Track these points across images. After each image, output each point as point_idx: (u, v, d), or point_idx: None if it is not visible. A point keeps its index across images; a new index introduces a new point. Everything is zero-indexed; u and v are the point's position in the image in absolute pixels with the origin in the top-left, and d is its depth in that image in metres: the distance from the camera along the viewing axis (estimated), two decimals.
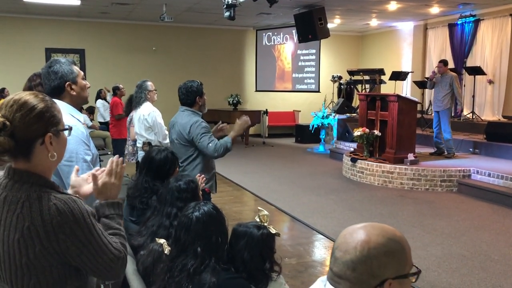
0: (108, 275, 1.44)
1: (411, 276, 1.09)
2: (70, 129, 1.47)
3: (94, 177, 1.58)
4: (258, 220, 2.05)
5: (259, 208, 2.10)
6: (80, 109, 2.69)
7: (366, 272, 1.05)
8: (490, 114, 10.51)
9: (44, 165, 1.38)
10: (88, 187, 1.67)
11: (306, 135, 12.41)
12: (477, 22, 10.77)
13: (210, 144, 3.39)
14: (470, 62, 10.83)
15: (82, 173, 2.22)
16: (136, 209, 2.67)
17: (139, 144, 4.88)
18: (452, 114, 9.35)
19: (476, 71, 9.90)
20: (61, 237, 1.30)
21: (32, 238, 1.29)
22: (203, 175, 2.92)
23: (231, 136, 3.49)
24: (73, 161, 2.16)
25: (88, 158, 2.22)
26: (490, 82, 10.50)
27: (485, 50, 10.65)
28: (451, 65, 10.95)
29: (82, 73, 2.36)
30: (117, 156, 1.72)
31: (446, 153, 8.09)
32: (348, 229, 1.13)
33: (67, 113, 2.21)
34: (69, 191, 1.64)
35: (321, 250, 4.81)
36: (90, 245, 1.36)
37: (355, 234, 1.09)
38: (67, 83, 2.25)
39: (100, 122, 10.42)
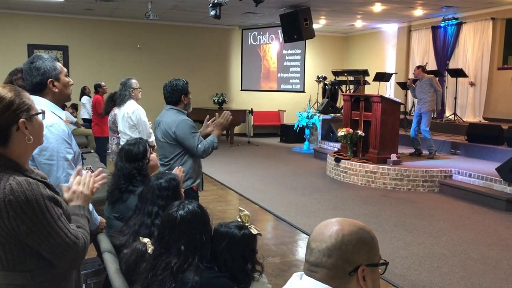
0: (63, 258, 1.48)
1: (381, 266, 1.17)
2: (43, 112, 1.55)
3: (66, 189, 1.70)
4: (239, 220, 2.04)
5: (240, 208, 2.09)
6: (63, 106, 2.66)
7: (341, 258, 1.12)
8: (471, 115, 10.69)
9: (21, 149, 1.49)
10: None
11: (291, 134, 12.47)
12: (459, 25, 10.94)
13: (200, 146, 3.42)
14: (452, 64, 11.00)
15: (63, 171, 2.19)
16: (117, 202, 2.65)
17: (122, 142, 4.82)
18: (434, 115, 9.49)
19: (458, 73, 10.05)
20: (11, 215, 1.38)
21: None
22: (181, 167, 2.89)
23: (216, 134, 3.53)
24: (54, 159, 2.13)
25: (70, 156, 2.19)
26: (472, 84, 10.68)
27: (467, 53, 10.82)
28: (434, 67, 11.13)
29: (65, 70, 2.32)
30: (99, 169, 1.79)
31: (428, 153, 8.20)
32: (322, 223, 1.21)
33: (49, 110, 2.17)
34: (63, 187, 1.75)
35: (304, 249, 4.82)
36: (42, 226, 1.42)
37: (330, 225, 1.17)
38: (50, 79, 2.21)
39: (85, 119, 10.27)
